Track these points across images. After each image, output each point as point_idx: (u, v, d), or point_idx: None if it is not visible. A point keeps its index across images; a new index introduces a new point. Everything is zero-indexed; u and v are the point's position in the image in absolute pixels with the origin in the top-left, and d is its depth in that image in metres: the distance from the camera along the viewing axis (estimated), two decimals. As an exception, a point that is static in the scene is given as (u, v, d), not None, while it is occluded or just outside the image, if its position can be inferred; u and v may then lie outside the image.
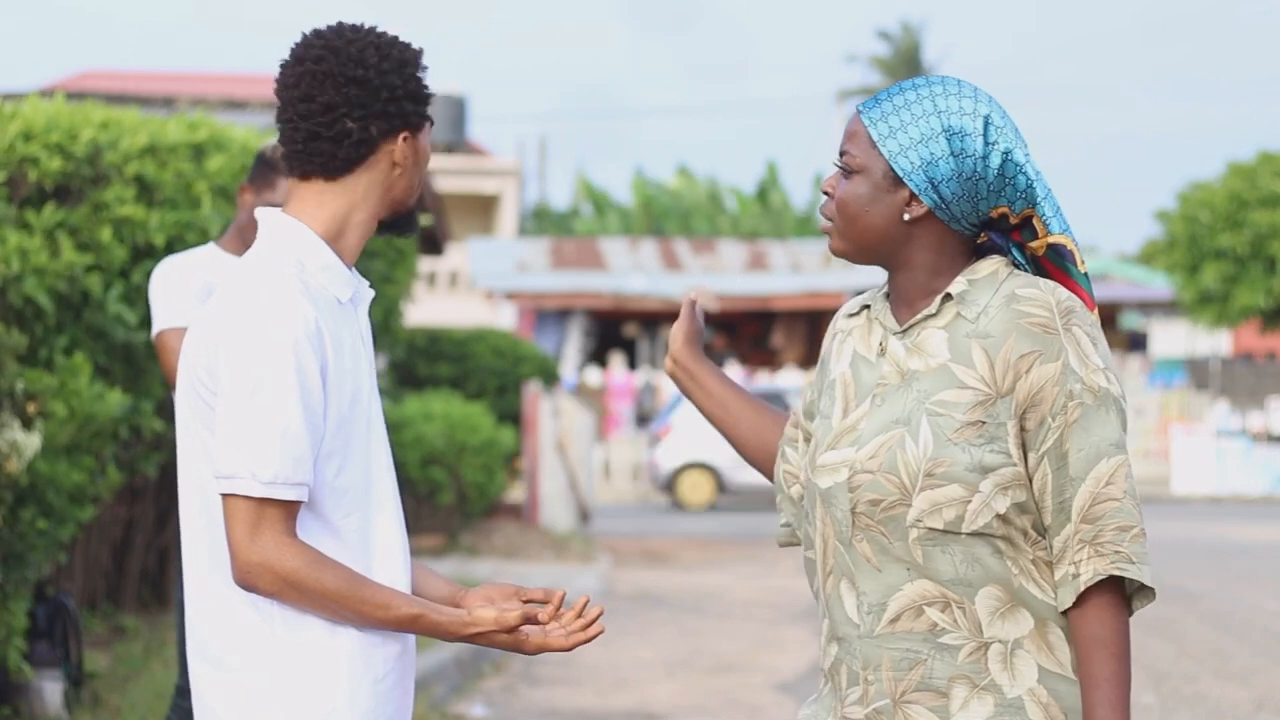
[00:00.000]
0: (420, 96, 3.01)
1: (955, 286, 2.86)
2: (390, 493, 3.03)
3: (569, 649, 3.04)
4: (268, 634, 2.91)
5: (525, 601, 3.07)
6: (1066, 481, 2.80)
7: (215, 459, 2.87)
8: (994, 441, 2.80)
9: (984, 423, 2.80)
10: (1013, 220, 2.90)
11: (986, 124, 2.86)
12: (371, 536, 2.97)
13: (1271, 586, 15.30)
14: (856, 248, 2.91)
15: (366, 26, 3.02)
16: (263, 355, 2.84)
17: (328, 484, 2.92)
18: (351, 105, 2.96)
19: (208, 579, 2.96)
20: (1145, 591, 2.84)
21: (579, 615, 3.04)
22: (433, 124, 3.05)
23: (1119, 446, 2.80)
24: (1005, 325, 2.82)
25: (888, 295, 2.96)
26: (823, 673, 2.99)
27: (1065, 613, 2.83)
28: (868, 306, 2.99)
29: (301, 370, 2.85)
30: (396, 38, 3.03)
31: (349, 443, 2.94)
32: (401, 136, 2.99)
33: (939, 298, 2.87)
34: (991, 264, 2.89)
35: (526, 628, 3.00)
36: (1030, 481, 2.82)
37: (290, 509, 2.87)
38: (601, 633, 3.06)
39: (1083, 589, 2.78)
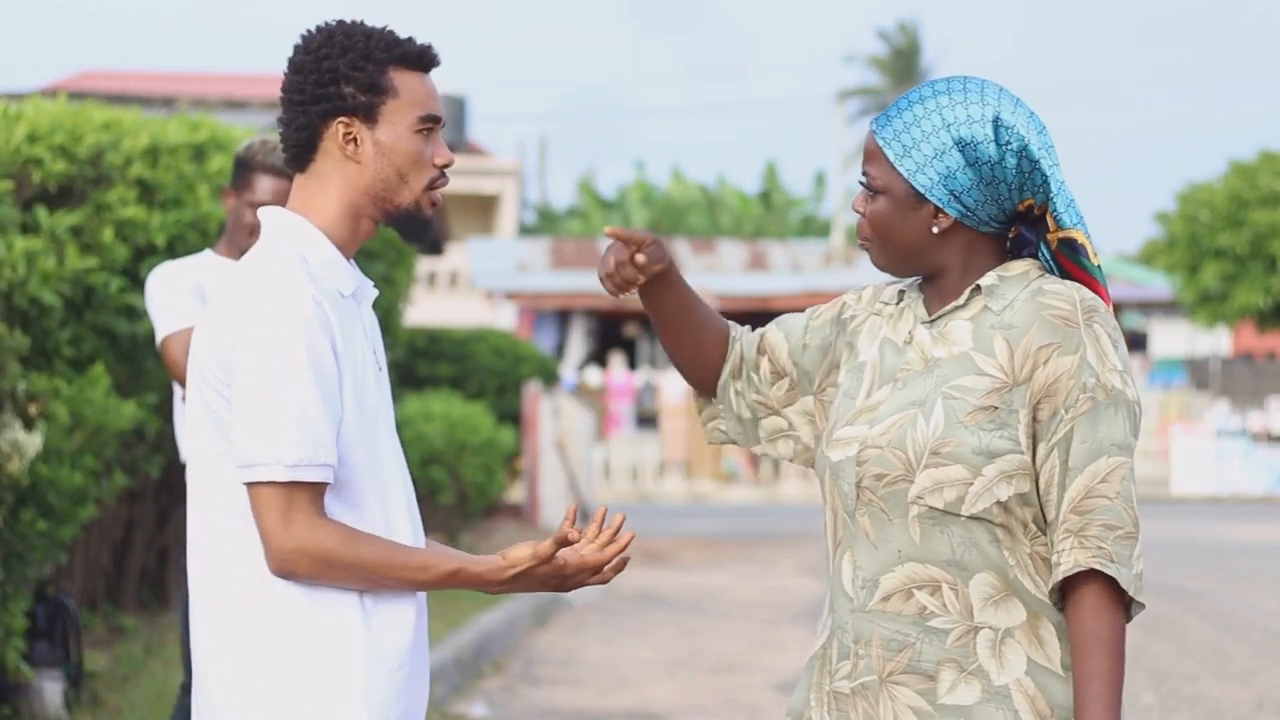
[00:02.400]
0: (364, 83, 2.96)
1: (986, 280, 2.92)
2: (400, 488, 3.05)
3: (608, 562, 3.00)
4: (280, 629, 2.91)
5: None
6: (1067, 473, 2.82)
7: (237, 449, 2.88)
8: (1004, 428, 2.83)
9: (996, 408, 2.84)
10: (1037, 212, 2.94)
11: (996, 126, 2.88)
12: (379, 531, 2.98)
13: (1271, 586, 15.29)
14: (895, 262, 2.97)
15: (355, 20, 3.01)
16: (274, 341, 2.85)
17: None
18: (293, 91, 2.98)
19: (218, 577, 2.95)
20: (1135, 602, 2.85)
21: (601, 527, 3.02)
22: (374, 109, 2.96)
23: (1122, 448, 2.82)
24: (1028, 317, 2.87)
25: (920, 286, 3.01)
26: (812, 655, 3.01)
27: (1063, 608, 2.85)
28: (903, 293, 3.03)
29: (313, 352, 2.87)
30: (374, 30, 3.00)
31: (351, 435, 2.94)
32: (339, 121, 2.97)
33: (968, 290, 2.92)
34: (1024, 264, 2.94)
35: (562, 552, 2.99)
36: (1037, 473, 2.85)
37: (318, 490, 2.88)
38: (633, 538, 3.03)
39: (1060, 579, 2.81)
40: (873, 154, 2.94)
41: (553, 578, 2.99)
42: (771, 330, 3.16)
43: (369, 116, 2.97)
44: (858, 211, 2.97)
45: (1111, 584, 2.81)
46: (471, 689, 9.82)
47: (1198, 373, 36.20)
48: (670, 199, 48.66)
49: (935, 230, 2.90)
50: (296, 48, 3.00)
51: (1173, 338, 41.79)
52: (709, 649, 11.62)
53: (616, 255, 3.03)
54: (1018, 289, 2.90)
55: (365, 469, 2.96)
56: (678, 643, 11.90)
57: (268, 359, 2.85)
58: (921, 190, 2.89)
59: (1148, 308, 41.36)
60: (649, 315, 3.16)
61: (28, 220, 7.70)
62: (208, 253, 5.51)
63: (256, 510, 2.87)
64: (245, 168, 5.34)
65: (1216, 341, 38.83)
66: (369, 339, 3.03)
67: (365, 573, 2.88)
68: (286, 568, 2.87)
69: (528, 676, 10.41)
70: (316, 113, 2.96)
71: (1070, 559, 2.80)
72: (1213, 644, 11.84)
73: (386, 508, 3.00)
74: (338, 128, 2.96)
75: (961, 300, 2.92)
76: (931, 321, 2.94)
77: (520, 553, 2.96)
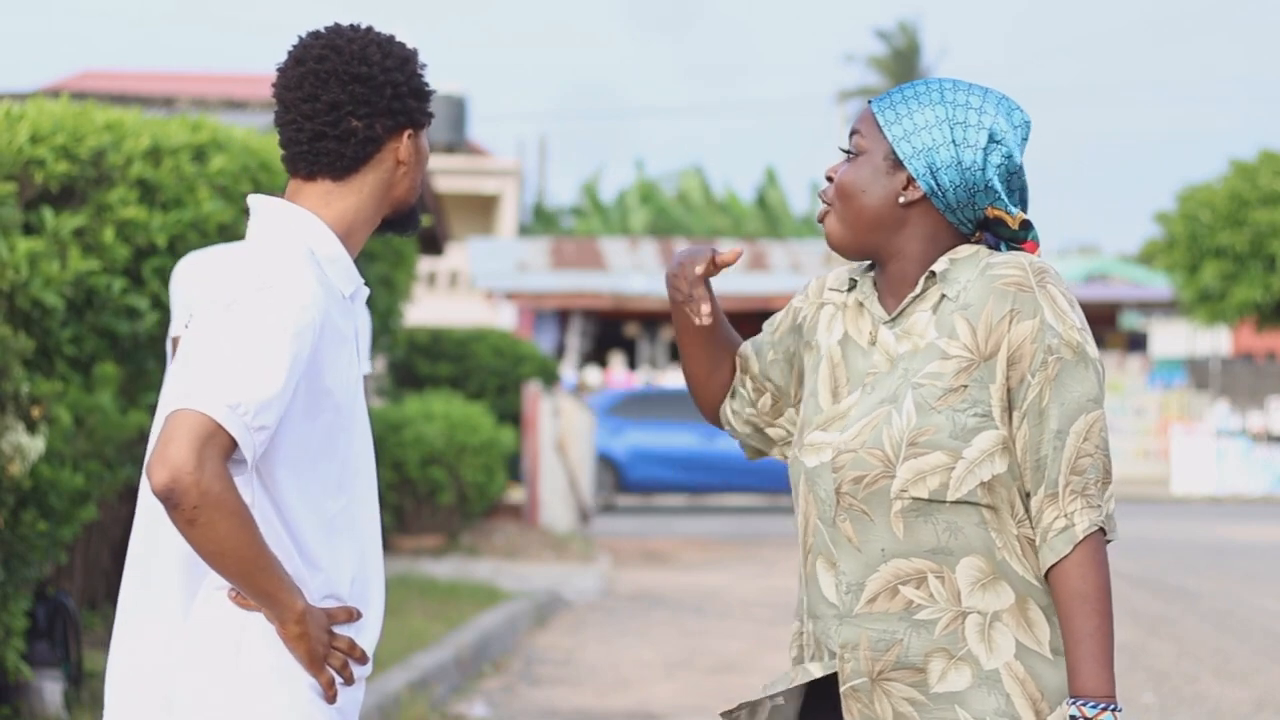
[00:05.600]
0: (422, 93, 3.03)
1: (939, 265, 2.92)
2: (371, 510, 3.02)
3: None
4: (219, 634, 2.89)
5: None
6: (1047, 437, 2.84)
7: (181, 385, 2.78)
8: (977, 404, 2.85)
9: (967, 387, 2.86)
10: (1011, 225, 2.95)
11: (992, 123, 2.91)
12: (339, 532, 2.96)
13: (1271, 586, 15.30)
14: (851, 231, 2.95)
15: (363, 26, 3.03)
16: (272, 323, 2.81)
17: (310, 472, 2.90)
18: (356, 103, 2.97)
19: (164, 589, 2.92)
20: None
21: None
22: (432, 120, 3.07)
23: (1097, 402, 2.87)
24: (982, 292, 2.88)
25: (874, 282, 3.00)
26: (796, 643, 3.02)
27: (1046, 572, 2.86)
28: (855, 284, 3.02)
29: (297, 357, 2.82)
30: (393, 36, 3.04)
31: (307, 430, 2.90)
32: (406, 134, 3.01)
33: (923, 277, 2.92)
34: (972, 247, 2.96)
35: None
36: (1014, 443, 2.86)
37: (232, 448, 2.76)
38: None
39: (1080, 539, 2.82)
40: (863, 120, 2.97)
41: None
42: (745, 349, 3.18)
43: (421, 125, 3.03)
44: (828, 179, 2.97)
45: (1095, 539, 2.85)
46: (471, 689, 9.82)
47: (1198, 373, 36.20)
48: (670, 199, 48.66)
49: (902, 200, 2.91)
50: (349, 57, 2.97)
51: (1173, 338, 41.78)
52: (709, 649, 11.62)
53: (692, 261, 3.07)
54: (970, 270, 2.92)
55: (329, 470, 2.92)
56: (678, 643, 11.90)
57: (256, 327, 2.80)
58: (901, 157, 2.91)
59: (1148, 308, 41.34)
60: (684, 335, 3.15)
61: (31, 220, 7.71)
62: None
63: (171, 428, 2.73)
64: None
65: (1216, 341, 38.82)
66: (359, 341, 3.02)
67: (235, 543, 2.75)
68: (176, 485, 2.71)
69: (528, 676, 10.42)
70: (385, 126, 2.98)
71: (1085, 519, 2.83)
72: (1213, 644, 11.84)
73: (348, 510, 2.96)
74: (405, 139, 3.00)
75: (918, 289, 2.92)
76: (893, 320, 2.94)
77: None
